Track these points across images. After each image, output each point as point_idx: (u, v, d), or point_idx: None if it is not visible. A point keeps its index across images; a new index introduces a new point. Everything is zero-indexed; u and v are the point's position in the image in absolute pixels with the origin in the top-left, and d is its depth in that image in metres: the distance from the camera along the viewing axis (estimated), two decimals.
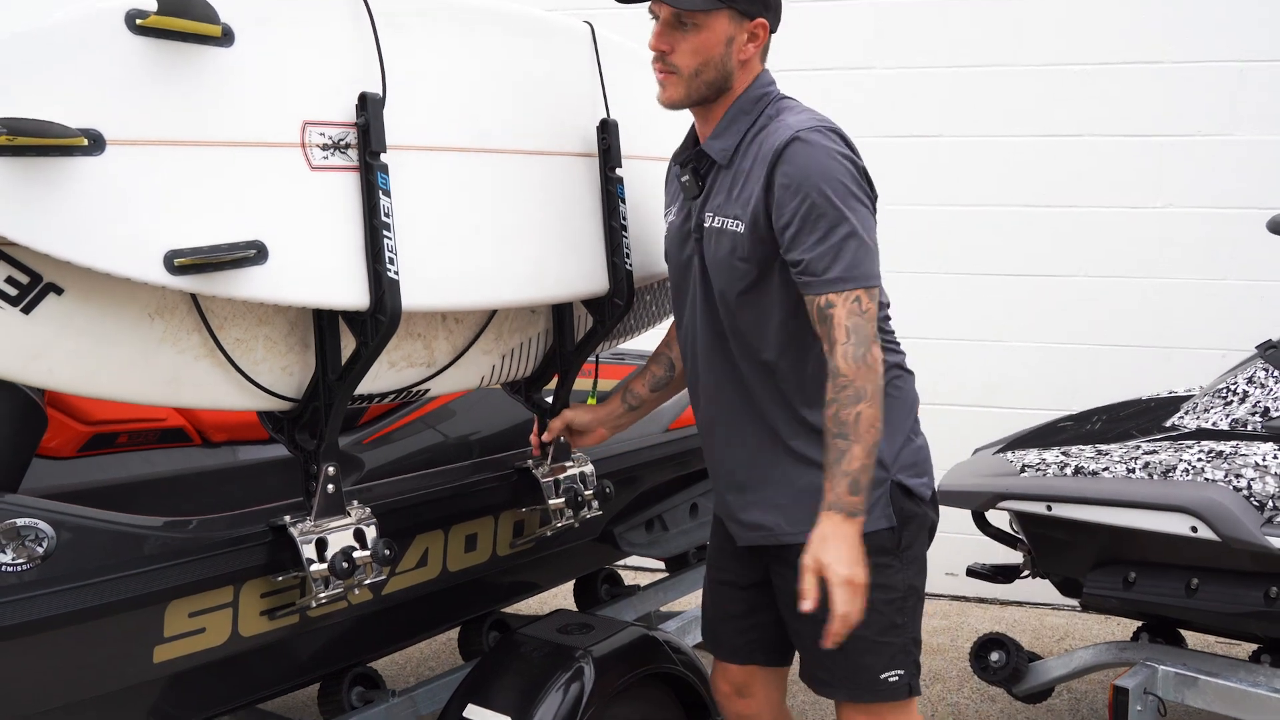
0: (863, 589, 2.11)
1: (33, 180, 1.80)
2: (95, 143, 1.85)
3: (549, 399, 2.82)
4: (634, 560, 4.04)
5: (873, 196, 2.27)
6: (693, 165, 2.38)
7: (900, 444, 2.37)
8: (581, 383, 3.11)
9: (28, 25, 1.84)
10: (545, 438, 2.75)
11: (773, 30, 2.35)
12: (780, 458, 2.37)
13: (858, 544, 2.12)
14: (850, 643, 2.18)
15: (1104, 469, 3.20)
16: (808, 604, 2.10)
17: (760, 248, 2.25)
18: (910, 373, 2.47)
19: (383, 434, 2.94)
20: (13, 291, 1.88)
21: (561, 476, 2.78)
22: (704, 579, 2.71)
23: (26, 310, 1.90)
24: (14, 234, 1.79)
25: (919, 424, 2.47)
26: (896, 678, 2.36)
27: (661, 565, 3.91)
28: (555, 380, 2.81)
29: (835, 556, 2.10)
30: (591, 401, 3.23)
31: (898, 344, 2.45)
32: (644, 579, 3.88)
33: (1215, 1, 4.71)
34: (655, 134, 2.85)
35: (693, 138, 2.45)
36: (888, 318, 2.45)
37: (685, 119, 2.83)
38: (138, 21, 1.90)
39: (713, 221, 2.33)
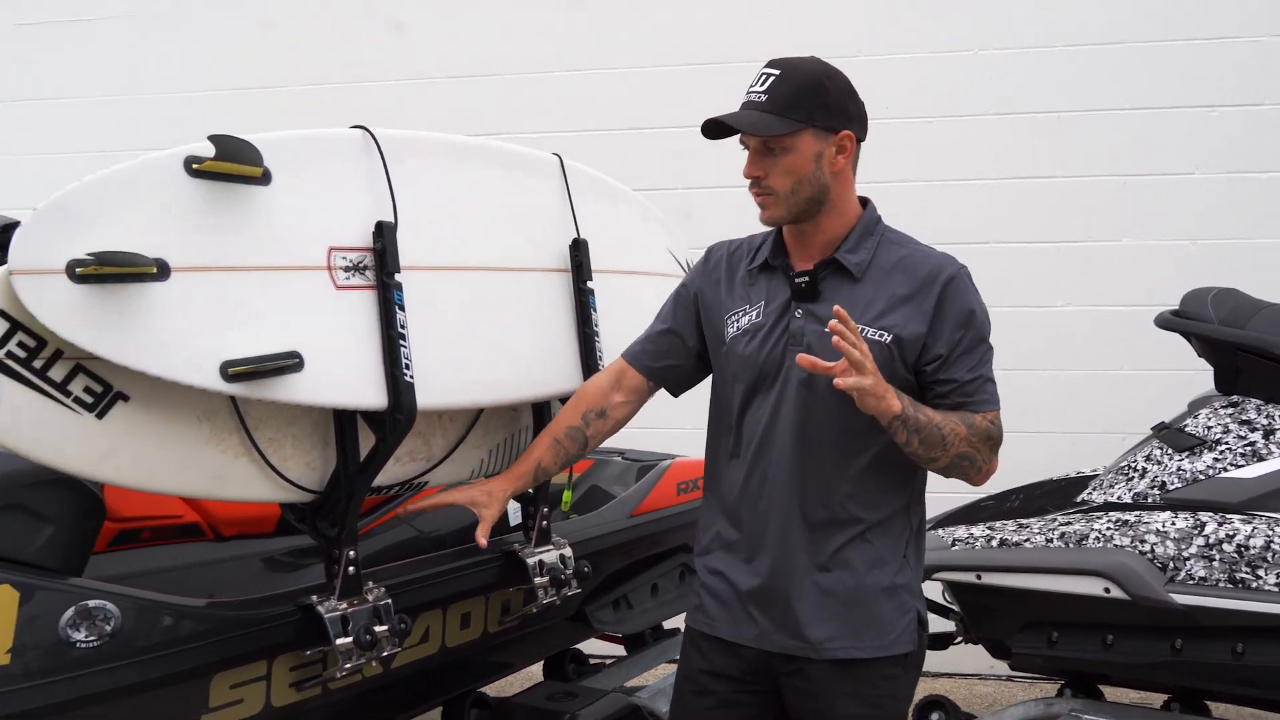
0: (867, 395, 2.22)
1: (112, 303, 2.09)
2: (162, 270, 2.15)
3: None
4: (586, 646, 4.30)
5: None
6: (811, 271, 2.44)
7: (919, 564, 2.56)
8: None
9: (105, 170, 2.15)
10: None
11: (861, 139, 2.44)
12: (838, 565, 2.43)
13: (874, 405, 2.24)
14: None
15: (1025, 540, 3.56)
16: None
17: (892, 362, 2.36)
18: None
19: (374, 525, 3.21)
20: (89, 399, 2.17)
21: (545, 558, 3.06)
22: (682, 691, 2.65)
23: (100, 415, 2.18)
24: (99, 349, 2.08)
25: None
26: None
27: (612, 647, 4.19)
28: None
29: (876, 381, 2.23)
30: (567, 496, 3.53)
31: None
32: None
33: (1099, 123, 5.24)
34: (619, 250, 3.21)
35: (781, 245, 2.51)
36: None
37: (647, 236, 3.19)
38: (194, 166, 2.22)
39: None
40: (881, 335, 2.37)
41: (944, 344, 2.39)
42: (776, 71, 2.39)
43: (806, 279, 2.44)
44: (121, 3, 6.17)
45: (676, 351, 2.67)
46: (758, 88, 2.39)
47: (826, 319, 2.31)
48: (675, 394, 2.76)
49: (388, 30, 5.91)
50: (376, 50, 5.93)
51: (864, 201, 2.52)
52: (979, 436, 2.38)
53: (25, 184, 5.77)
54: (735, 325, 2.53)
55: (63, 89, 6.22)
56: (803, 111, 2.35)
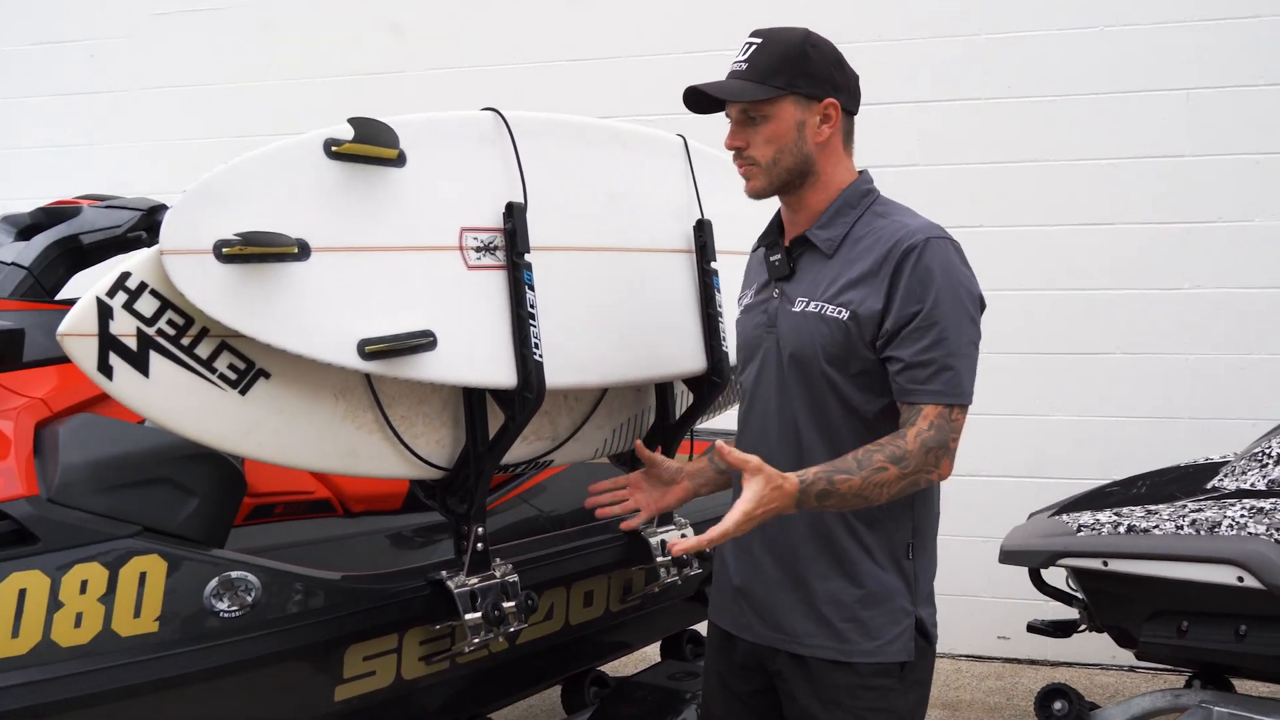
0: (735, 534, 2.08)
1: (256, 282, 2.15)
2: (303, 250, 2.21)
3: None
4: (703, 628, 4.31)
5: (981, 310, 2.30)
6: (785, 249, 2.36)
7: (926, 568, 2.33)
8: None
9: (249, 154, 2.21)
10: (640, 452, 2.70)
11: (850, 111, 2.35)
12: (823, 555, 2.29)
13: (772, 513, 2.10)
14: None
15: (1154, 526, 3.49)
16: None
17: (851, 341, 2.23)
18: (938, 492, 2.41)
19: (500, 502, 3.26)
20: (233, 376, 2.23)
21: (667, 538, 3.08)
22: (706, 684, 2.57)
23: (243, 392, 2.25)
24: (244, 327, 2.14)
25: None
26: None
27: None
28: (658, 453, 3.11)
29: (759, 506, 2.06)
30: None
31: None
32: None
33: (1229, 100, 5.08)
34: (741, 231, 3.20)
35: (778, 223, 2.44)
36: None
37: (768, 217, 3.17)
38: (333, 148, 2.27)
39: (806, 306, 2.27)
40: (839, 312, 2.23)
41: (893, 318, 2.20)
42: (759, 40, 2.31)
43: (780, 257, 2.36)
44: None
45: None
46: (740, 57, 2.31)
47: (797, 299, 2.30)
48: None
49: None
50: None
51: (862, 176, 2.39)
52: (915, 461, 2.15)
53: (165, 168, 5.95)
54: (739, 308, 2.50)
55: (197, 75, 6.39)
56: (783, 78, 2.26)
